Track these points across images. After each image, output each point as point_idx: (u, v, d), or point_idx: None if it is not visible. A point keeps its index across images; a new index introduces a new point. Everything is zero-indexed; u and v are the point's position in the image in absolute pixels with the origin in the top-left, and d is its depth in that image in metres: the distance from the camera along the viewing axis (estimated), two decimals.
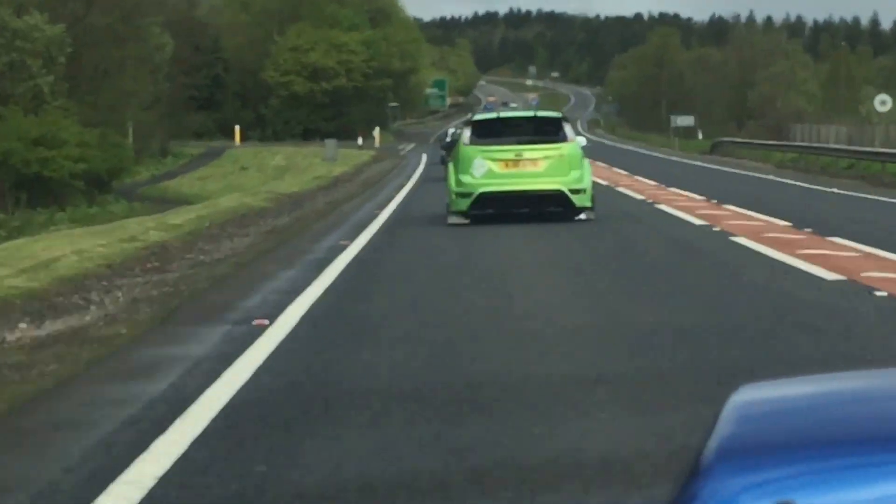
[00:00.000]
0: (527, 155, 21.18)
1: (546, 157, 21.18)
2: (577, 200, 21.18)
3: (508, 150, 21.24)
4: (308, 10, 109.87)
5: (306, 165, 59.50)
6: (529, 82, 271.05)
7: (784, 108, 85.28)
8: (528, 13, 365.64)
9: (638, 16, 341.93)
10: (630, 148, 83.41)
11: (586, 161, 21.78)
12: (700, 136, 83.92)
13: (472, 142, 21.50)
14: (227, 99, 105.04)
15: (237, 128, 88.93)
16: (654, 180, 36.97)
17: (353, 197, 32.79)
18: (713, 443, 1.84)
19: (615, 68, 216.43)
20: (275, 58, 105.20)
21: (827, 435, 1.81)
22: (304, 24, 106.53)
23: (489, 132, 21.75)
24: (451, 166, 21.86)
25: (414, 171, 49.34)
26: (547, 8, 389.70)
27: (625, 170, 45.30)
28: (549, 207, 21.52)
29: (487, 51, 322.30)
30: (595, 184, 22.76)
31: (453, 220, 21.51)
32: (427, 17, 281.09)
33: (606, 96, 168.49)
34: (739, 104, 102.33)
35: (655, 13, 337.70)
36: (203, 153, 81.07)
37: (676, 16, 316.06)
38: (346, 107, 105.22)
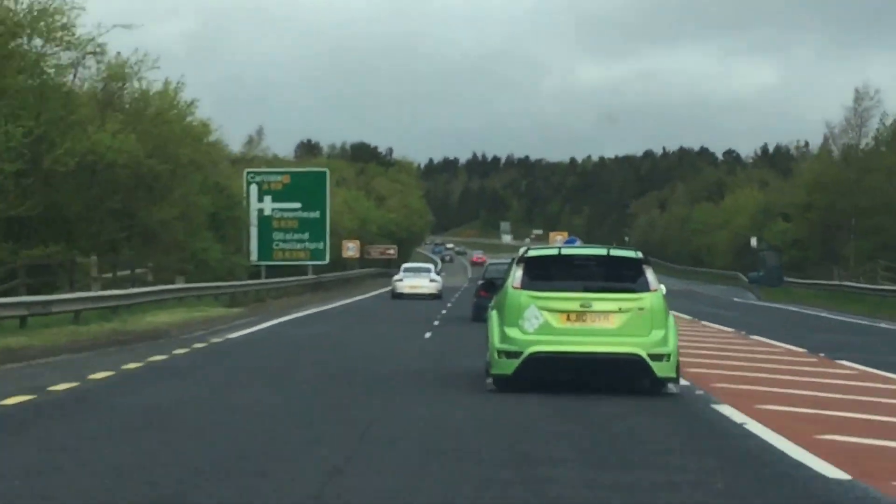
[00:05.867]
0: (596, 306, 17.10)
1: (621, 311, 16.78)
2: (659, 370, 16.68)
3: (572, 299, 17.32)
4: None
5: None
6: (507, 239, 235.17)
7: None
8: (497, 160, 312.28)
9: (648, 153, 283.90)
10: None
11: (671, 317, 17.26)
12: None
13: (525, 285, 17.29)
14: None
15: None
16: None
17: None
18: None
19: (641, 213, 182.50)
20: None
21: None
22: None
23: (547, 273, 17.80)
24: (494, 315, 17.44)
25: None
26: (519, 154, 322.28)
27: None
28: (620, 376, 16.88)
29: (446, 204, 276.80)
30: None
31: (493, 385, 16.86)
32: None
33: (760, 246, 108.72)
34: None
35: (673, 148, 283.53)
36: None
37: (704, 149, 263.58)
38: None
